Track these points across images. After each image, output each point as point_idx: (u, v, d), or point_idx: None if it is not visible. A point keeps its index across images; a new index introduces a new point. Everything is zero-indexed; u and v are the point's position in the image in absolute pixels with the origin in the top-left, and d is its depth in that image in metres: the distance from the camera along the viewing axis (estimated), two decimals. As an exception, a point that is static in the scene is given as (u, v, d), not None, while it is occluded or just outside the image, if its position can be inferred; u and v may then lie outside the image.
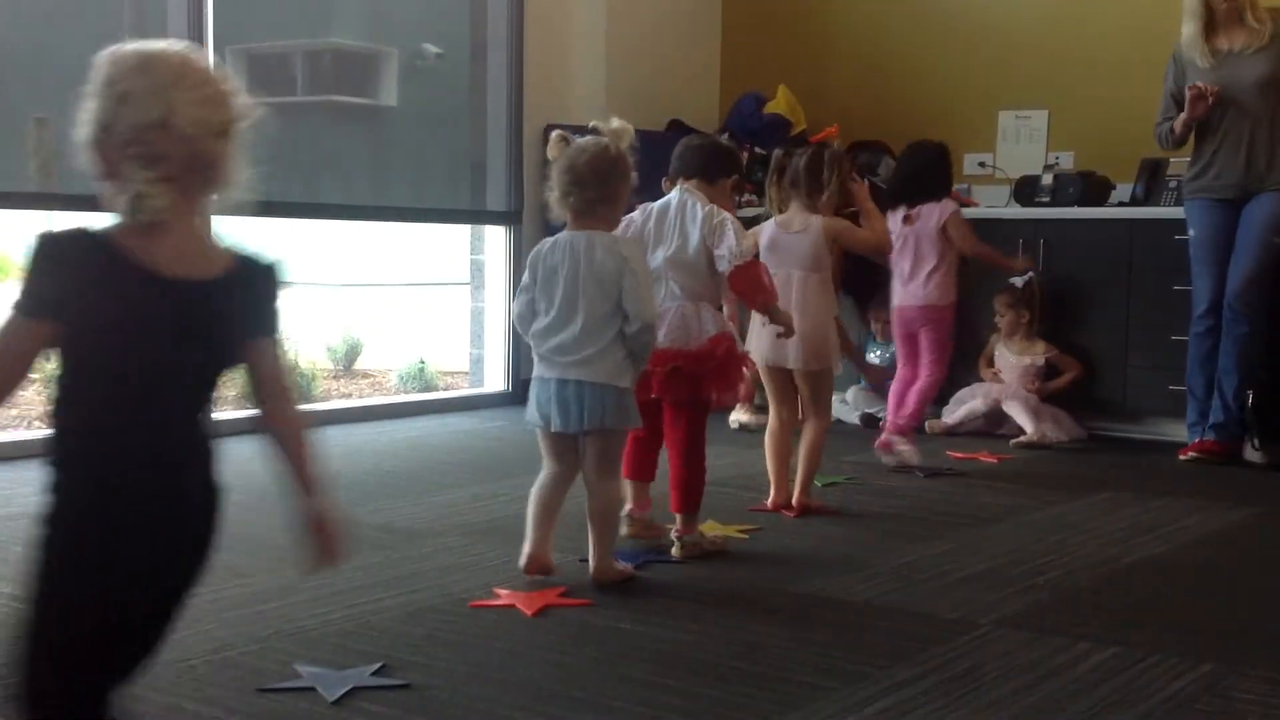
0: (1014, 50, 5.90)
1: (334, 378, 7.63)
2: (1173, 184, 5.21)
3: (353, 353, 7.90)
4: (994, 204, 5.69)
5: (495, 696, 2.21)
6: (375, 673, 2.30)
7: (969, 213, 5.57)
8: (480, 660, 2.40)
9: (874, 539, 3.44)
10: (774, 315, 3.28)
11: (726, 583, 2.97)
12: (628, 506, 3.27)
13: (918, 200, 4.62)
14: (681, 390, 3.17)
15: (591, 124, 2.94)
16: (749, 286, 3.21)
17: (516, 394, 6.00)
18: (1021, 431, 5.00)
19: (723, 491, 3.97)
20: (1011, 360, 5.25)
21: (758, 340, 3.65)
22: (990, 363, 5.34)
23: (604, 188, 2.87)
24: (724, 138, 6.05)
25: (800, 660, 2.42)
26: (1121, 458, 4.79)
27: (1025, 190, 5.55)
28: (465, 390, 6.28)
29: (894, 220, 4.57)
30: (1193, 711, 2.20)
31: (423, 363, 7.17)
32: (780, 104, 6.14)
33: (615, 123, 2.90)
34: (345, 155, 5.61)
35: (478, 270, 6.17)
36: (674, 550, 3.20)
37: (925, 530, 3.55)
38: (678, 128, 5.92)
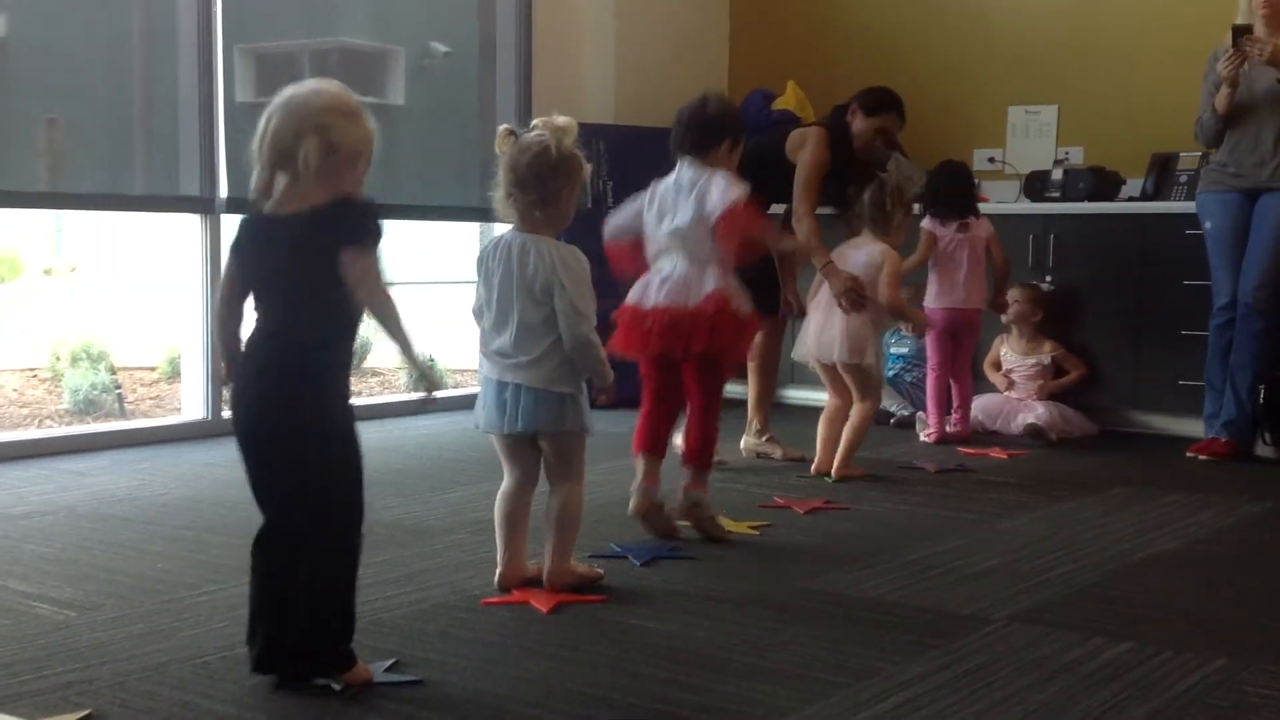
0: (1023, 45, 5.89)
1: (344, 376, 7.63)
2: (1183, 179, 5.20)
3: (362, 350, 7.91)
4: (1004, 199, 5.69)
5: (508, 693, 2.21)
6: (389, 668, 2.31)
7: (982, 208, 5.59)
8: (493, 657, 2.41)
9: (885, 535, 3.44)
10: (774, 247, 3.74)
11: (738, 579, 2.97)
12: (637, 479, 3.35)
13: (969, 213, 5.02)
14: (677, 343, 3.27)
15: (534, 121, 2.82)
16: (731, 230, 3.28)
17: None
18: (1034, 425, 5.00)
19: (734, 488, 3.97)
20: (1019, 360, 5.25)
21: (807, 340, 4.24)
22: (997, 366, 5.33)
23: (544, 189, 2.75)
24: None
25: (812, 656, 2.42)
26: (1133, 453, 4.78)
27: (1035, 186, 5.55)
28: (475, 389, 6.26)
29: (937, 228, 4.98)
30: (1205, 706, 2.19)
31: (432, 360, 7.17)
32: (789, 100, 6.13)
33: (560, 119, 2.78)
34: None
35: (487, 268, 6.17)
36: (677, 515, 3.34)
37: (937, 526, 3.55)
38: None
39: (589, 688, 2.24)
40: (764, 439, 4.58)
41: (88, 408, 6.16)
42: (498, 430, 2.80)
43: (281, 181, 2.15)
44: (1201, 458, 4.63)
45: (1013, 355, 5.27)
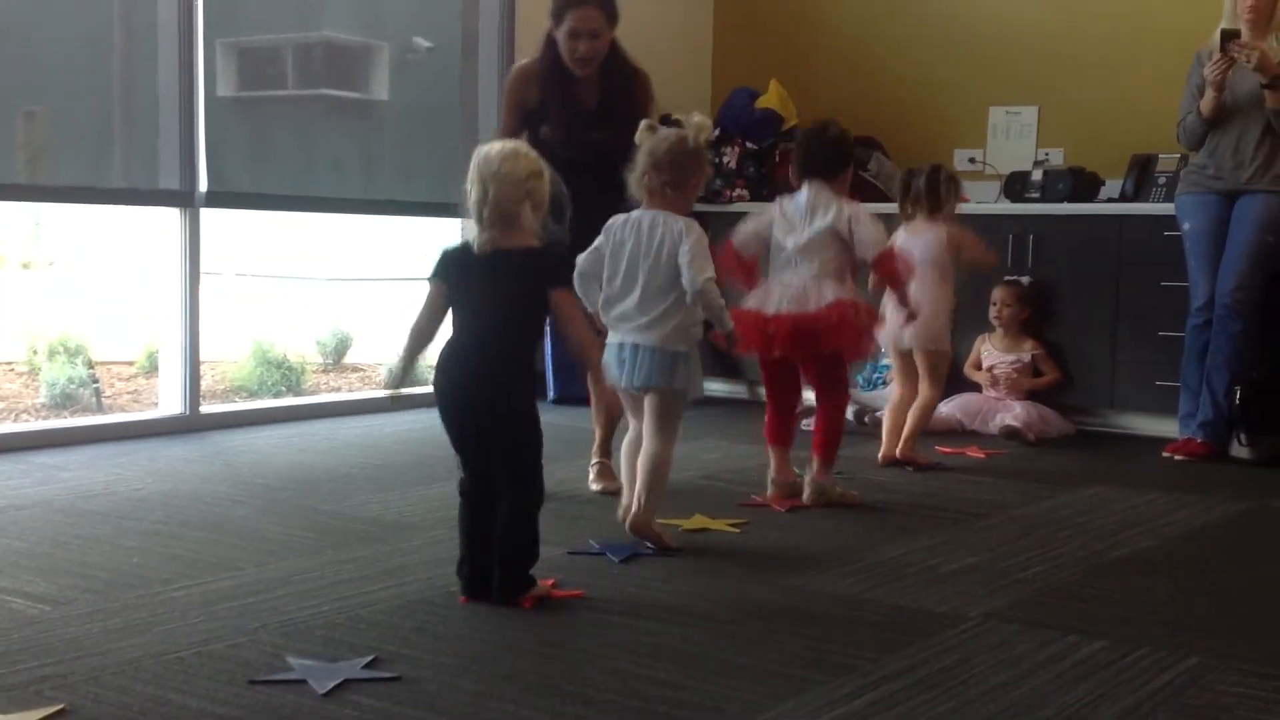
0: (1004, 46, 5.91)
1: (323, 371, 7.62)
2: (1162, 180, 5.23)
3: (342, 346, 7.89)
4: (984, 200, 5.71)
5: (486, 689, 2.21)
6: (367, 665, 2.30)
7: (963, 209, 5.59)
8: (471, 653, 2.40)
9: (863, 532, 3.45)
10: (904, 298, 3.89)
11: (716, 576, 2.98)
12: (771, 471, 3.78)
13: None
14: (804, 347, 3.67)
15: (674, 116, 3.23)
16: (891, 270, 3.79)
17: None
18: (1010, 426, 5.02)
19: (713, 485, 3.98)
20: (1000, 357, 5.27)
21: (885, 326, 4.25)
22: (978, 366, 5.35)
23: (676, 173, 3.15)
24: (716, 130, 6.07)
25: (789, 653, 2.42)
26: (1109, 453, 4.80)
27: (1015, 186, 5.57)
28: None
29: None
30: (1179, 704, 2.21)
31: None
32: (772, 98, 6.15)
33: (696, 117, 3.20)
34: (336, 149, 5.60)
35: (468, 264, 6.16)
36: (804, 496, 3.73)
37: (914, 524, 3.56)
38: (669, 122, 5.93)
39: (567, 684, 2.24)
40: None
41: (65, 402, 6.13)
42: (620, 384, 3.16)
43: (496, 229, 2.70)
44: (1177, 458, 4.66)
45: (994, 352, 5.30)
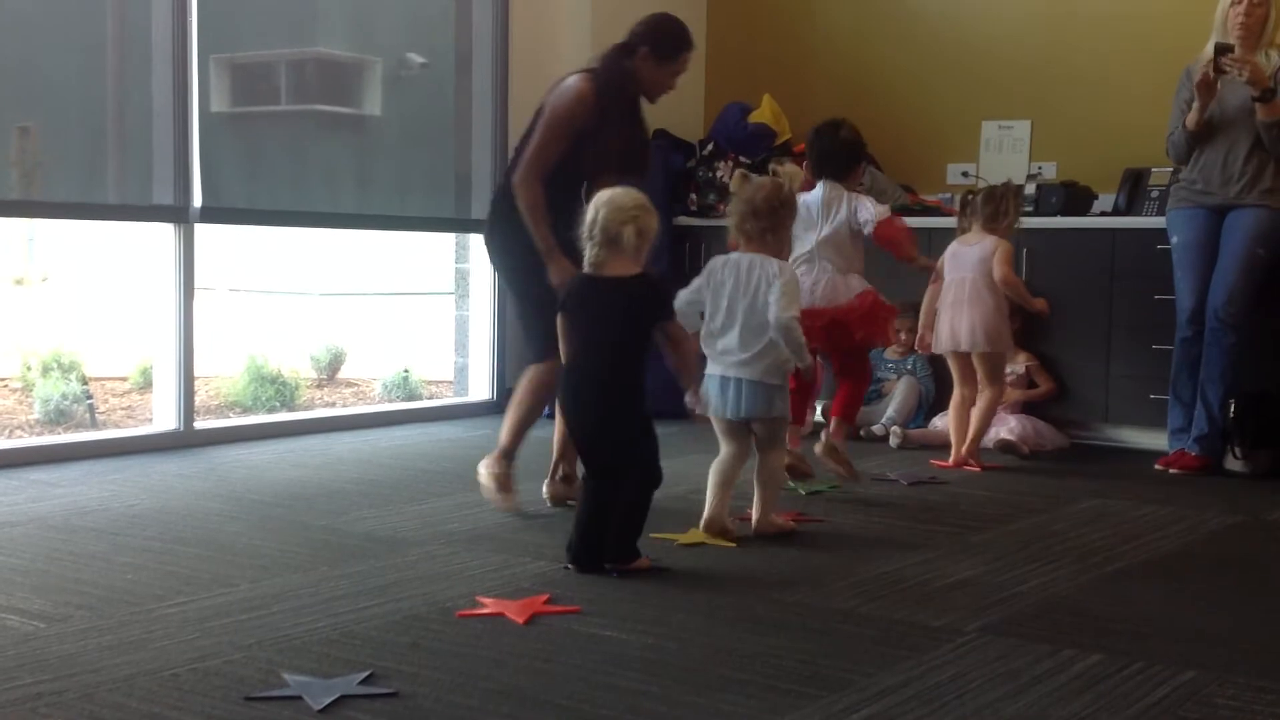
0: (997, 61, 5.93)
1: (317, 386, 7.61)
2: (1154, 194, 5.24)
3: (336, 361, 7.89)
4: (977, 214, 5.72)
5: (481, 705, 2.21)
6: (362, 681, 2.30)
7: (955, 223, 5.61)
8: (466, 669, 2.40)
9: (858, 547, 3.45)
10: (917, 262, 4.31)
11: (711, 591, 2.98)
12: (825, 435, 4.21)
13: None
14: (840, 338, 4.05)
15: (771, 166, 3.81)
16: (893, 235, 4.10)
17: (501, 403, 5.99)
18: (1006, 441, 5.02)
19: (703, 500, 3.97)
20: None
21: (941, 333, 4.62)
22: None
23: (773, 219, 3.48)
24: (709, 147, 6.09)
25: (785, 668, 2.42)
26: (1104, 467, 4.80)
27: (1008, 200, 5.58)
28: (450, 399, 6.27)
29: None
30: (1176, 718, 2.20)
31: (407, 371, 7.16)
32: (765, 114, 6.16)
33: (788, 166, 3.83)
34: (329, 164, 5.60)
35: (462, 279, 6.17)
36: (817, 447, 4.16)
37: (909, 538, 3.56)
38: (663, 137, 5.95)
39: (562, 699, 2.24)
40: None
41: (59, 418, 6.12)
42: (722, 415, 3.45)
43: (604, 254, 3.09)
44: (1171, 471, 4.67)
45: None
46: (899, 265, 4.46)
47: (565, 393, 3.20)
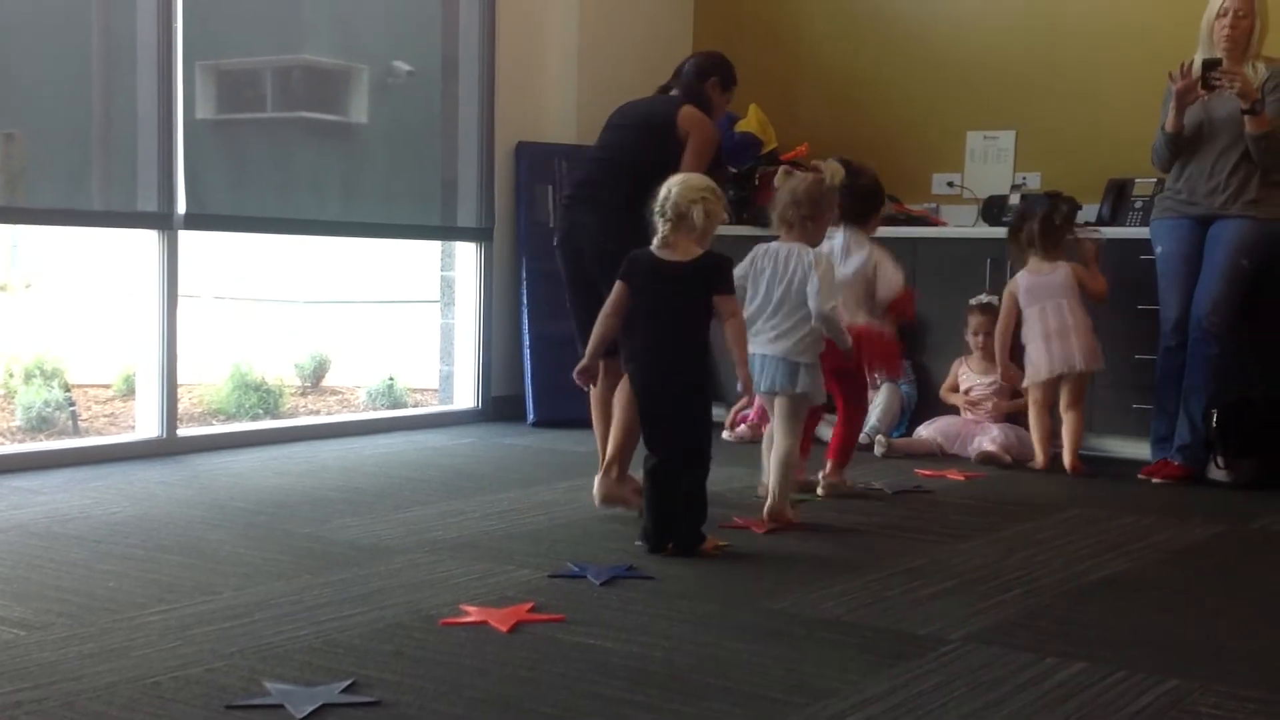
0: (982, 71, 5.95)
1: (302, 394, 7.59)
2: (1138, 204, 5.26)
3: (321, 369, 7.87)
4: (962, 223, 5.74)
5: (465, 714, 2.20)
6: (345, 690, 2.29)
7: (941, 232, 5.63)
8: (450, 677, 2.39)
9: (844, 555, 3.45)
10: (906, 321, 4.62)
11: (697, 598, 2.97)
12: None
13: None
14: (834, 359, 4.04)
15: (813, 162, 3.96)
16: (902, 307, 4.40)
17: (486, 411, 5.99)
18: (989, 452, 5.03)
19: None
20: (976, 380, 5.29)
21: (1038, 359, 4.84)
22: (955, 389, 5.37)
23: (813, 208, 3.75)
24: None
25: (770, 676, 2.42)
26: (1088, 476, 4.82)
27: (993, 210, 5.60)
28: (435, 407, 6.25)
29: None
30: (1159, 727, 2.21)
31: (392, 379, 7.14)
32: (751, 123, 6.17)
33: (831, 162, 3.88)
34: (315, 171, 5.59)
35: (448, 287, 6.16)
36: (818, 489, 4.20)
37: (895, 547, 3.56)
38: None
39: (547, 708, 2.23)
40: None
41: (41, 425, 6.08)
42: (757, 389, 3.68)
43: (673, 232, 3.32)
44: (1155, 480, 4.68)
45: (971, 375, 5.32)
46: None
47: (633, 374, 3.43)
